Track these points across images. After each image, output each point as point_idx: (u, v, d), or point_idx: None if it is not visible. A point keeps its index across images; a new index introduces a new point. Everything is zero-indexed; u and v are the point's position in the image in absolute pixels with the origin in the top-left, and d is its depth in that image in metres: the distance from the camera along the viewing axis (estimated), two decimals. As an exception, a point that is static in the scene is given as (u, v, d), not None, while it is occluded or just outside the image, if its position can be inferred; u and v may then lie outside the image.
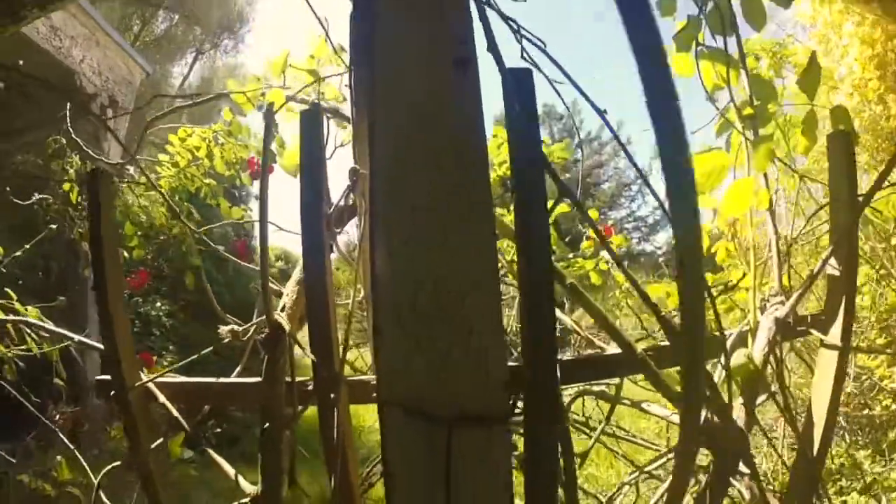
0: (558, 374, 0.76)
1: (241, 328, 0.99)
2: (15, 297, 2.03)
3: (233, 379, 1.01)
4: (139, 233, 2.31)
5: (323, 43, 1.39)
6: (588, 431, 1.54)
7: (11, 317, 1.91)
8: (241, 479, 0.91)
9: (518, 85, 0.71)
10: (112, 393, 0.99)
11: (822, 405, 1.03)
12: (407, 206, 0.70)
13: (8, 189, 3.75)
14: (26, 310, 2.00)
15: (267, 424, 0.83)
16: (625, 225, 27.49)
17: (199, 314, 6.15)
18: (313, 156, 0.78)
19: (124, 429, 0.97)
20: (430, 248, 0.71)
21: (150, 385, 1.00)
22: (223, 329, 0.98)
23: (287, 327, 0.84)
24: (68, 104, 2.86)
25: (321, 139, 0.80)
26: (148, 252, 2.36)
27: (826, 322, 1.09)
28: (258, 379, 0.88)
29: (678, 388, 0.78)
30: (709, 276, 1.65)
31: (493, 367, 0.70)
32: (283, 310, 0.92)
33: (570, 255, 2.16)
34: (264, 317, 0.89)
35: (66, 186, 2.63)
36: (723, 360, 0.95)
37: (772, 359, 1.10)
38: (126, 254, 2.21)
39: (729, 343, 1.08)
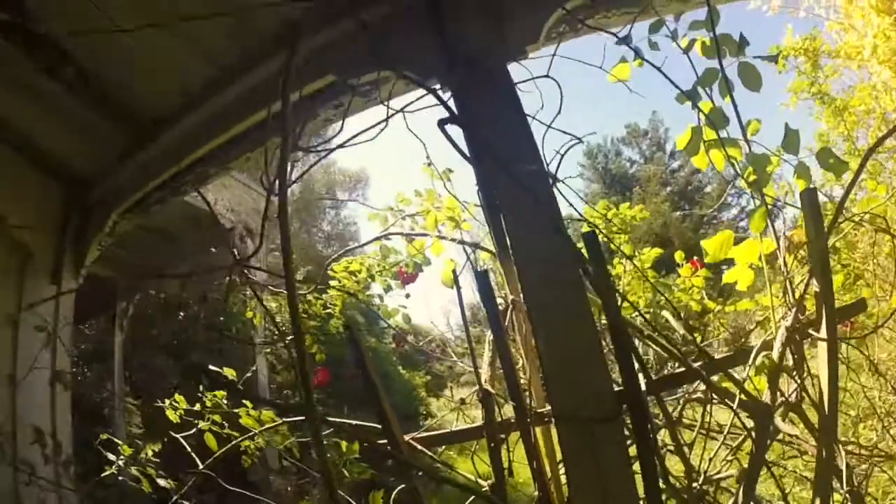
0: (642, 387, 1.43)
1: (468, 395, 1.73)
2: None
3: (464, 426, 1.76)
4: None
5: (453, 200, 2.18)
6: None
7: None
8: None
9: (590, 246, 1.41)
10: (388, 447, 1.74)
11: (825, 379, 1.61)
12: (545, 308, 1.42)
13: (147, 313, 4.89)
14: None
15: (492, 445, 1.54)
16: (739, 223, 26.90)
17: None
18: (489, 301, 1.52)
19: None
20: (561, 328, 1.41)
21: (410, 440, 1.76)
22: (458, 398, 1.72)
23: (492, 391, 1.56)
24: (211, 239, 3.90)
25: (493, 291, 1.54)
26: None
27: (817, 323, 1.67)
28: (480, 423, 1.61)
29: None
30: (749, 303, 2.24)
31: (604, 387, 1.39)
32: (485, 380, 1.64)
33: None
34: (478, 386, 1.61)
35: (249, 314, 3.64)
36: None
37: (791, 354, 1.70)
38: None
39: (755, 348, 1.69)
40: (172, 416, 2.47)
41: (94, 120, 2.76)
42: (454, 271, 2.02)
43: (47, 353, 3.18)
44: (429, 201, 2.25)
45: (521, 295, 1.44)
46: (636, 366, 1.47)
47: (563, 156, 1.47)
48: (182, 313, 8.19)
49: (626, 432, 1.47)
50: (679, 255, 2.77)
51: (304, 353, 1.33)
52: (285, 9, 2.04)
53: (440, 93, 1.53)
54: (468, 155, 1.40)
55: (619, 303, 1.58)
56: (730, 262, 1.97)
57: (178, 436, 2.49)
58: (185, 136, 2.57)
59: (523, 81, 1.58)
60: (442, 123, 1.37)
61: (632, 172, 35.10)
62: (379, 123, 1.62)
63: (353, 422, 2.17)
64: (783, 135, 1.83)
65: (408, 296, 2.68)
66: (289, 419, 2.45)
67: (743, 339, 2.78)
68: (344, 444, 1.96)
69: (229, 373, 2.57)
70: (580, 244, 1.47)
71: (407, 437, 1.71)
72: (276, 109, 2.22)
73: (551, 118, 1.47)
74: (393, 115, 1.64)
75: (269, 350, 6.01)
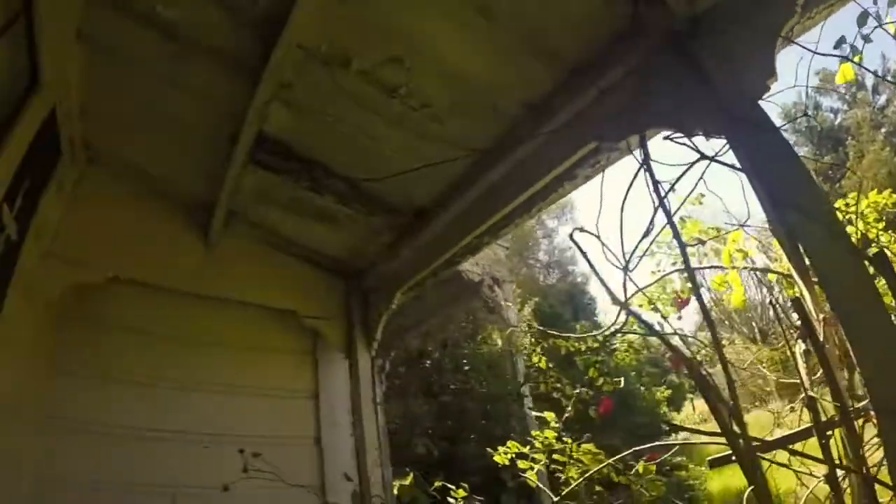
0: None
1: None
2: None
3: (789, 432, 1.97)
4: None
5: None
6: None
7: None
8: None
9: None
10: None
11: None
12: (853, 317, 1.59)
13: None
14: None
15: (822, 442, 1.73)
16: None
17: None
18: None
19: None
20: (870, 333, 1.58)
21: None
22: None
23: (816, 396, 1.77)
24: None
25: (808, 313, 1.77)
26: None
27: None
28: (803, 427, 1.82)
29: None
30: None
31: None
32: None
33: None
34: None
35: (535, 359, 4.17)
36: None
37: None
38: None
39: None
40: (501, 458, 2.93)
41: (362, 221, 3.53)
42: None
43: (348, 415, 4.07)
44: (692, 230, 2.50)
45: (830, 308, 1.64)
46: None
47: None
48: (427, 361, 9.27)
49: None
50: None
51: (733, 383, 1.64)
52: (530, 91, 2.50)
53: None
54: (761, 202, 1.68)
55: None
56: None
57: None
58: (459, 219, 3.17)
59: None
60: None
61: (838, 123, 30.16)
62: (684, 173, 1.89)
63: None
64: None
65: (680, 317, 2.87)
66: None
67: None
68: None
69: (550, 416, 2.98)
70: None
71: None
72: (540, 184, 2.71)
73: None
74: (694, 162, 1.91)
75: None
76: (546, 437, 3.10)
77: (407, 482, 6.24)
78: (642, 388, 12.47)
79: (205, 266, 3.63)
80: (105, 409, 3.27)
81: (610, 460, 2.55)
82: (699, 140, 1.91)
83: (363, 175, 3.04)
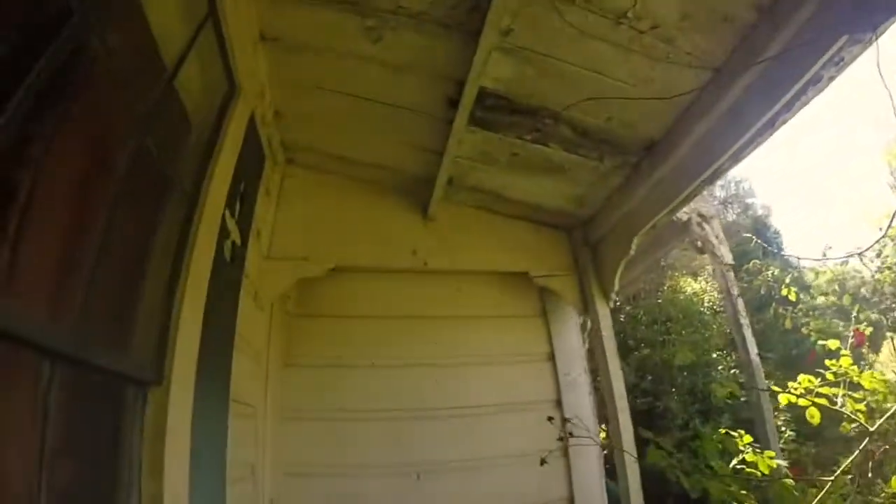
0: None
1: None
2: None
3: None
4: None
5: None
6: None
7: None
8: None
9: None
10: None
11: None
12: None
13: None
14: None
15: None
16: None
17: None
18: None
19: None
20: None
21: None
22: None
23: None
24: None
25: None
26: None
27: None
28: None
29: None
30: None
31: None
32: None
33: None
34: None
35: (784, 291, 3.64)
36: None
37: None
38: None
39: None
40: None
41: (590, 167, 3.23)
42: None
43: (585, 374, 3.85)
44: None
45: None
46: None
47: None
48: (621, 316, 8.84)
49: None
50: None
51: None
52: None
53: None
54: None
55: None
56: None
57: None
58: (697, 148, 2.75)
59: None
60: None
61: None
62: None
63: None
64: None
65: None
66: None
67: None
68: None
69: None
70: None
71: None
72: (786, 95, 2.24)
73: None
74: None
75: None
76: (840, 366, 2.72)
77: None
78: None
79: (425, 241, 3.63)
80: (338, 395, 3.46)
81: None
82: None
83: (592, 117, 2.75)
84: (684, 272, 11.85)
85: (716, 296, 11.41)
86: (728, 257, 5.81)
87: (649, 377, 8.61)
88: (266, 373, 3.21)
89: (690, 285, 11.41)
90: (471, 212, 3.79)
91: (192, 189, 1.99)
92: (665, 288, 10.37)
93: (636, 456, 3.30)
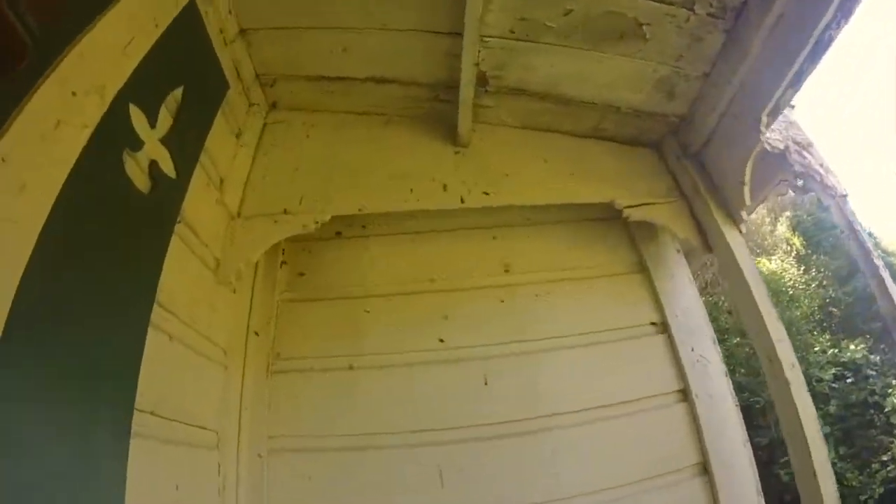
0: None
1: None
2: None
3: None
4: None
5: None
6: None
7: None
8: None
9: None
10: None
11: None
12: None
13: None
14: None
15: None
16: None
17: None
18: None
19: None
20: None
21: None
22: None
23: None
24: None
25: None
26: None
27: None
28: None
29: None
30: None
31: None
32: None
33: None
34: None
35: None
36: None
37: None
38: None
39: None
40: None
41: (675, 28, 2.14)
42: None
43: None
44: None
45: None
46: None
47: None
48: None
49: None
50: None
51: None
52: None
53: None
54: None
55: None
56: None
57: None
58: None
59: None
60: None
61: None
62: None
63: None
64: None
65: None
66: None
67: None
68: None
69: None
70: None
71: None
72: None
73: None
74: None
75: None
76: None
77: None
78: None
79: (458, 173, 2.54)
80: (351, 414, 2.37)
81: None
82: None
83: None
84: (758, 252, 10.48)
85: (795, 274, 10.04)
86: (840, 188, 4.51)
87: (742, 370, 7.22)
88: (241, 383, 2.14)
89: (766, 265, 10.03)
90: (517, 134, 2.67)
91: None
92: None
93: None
